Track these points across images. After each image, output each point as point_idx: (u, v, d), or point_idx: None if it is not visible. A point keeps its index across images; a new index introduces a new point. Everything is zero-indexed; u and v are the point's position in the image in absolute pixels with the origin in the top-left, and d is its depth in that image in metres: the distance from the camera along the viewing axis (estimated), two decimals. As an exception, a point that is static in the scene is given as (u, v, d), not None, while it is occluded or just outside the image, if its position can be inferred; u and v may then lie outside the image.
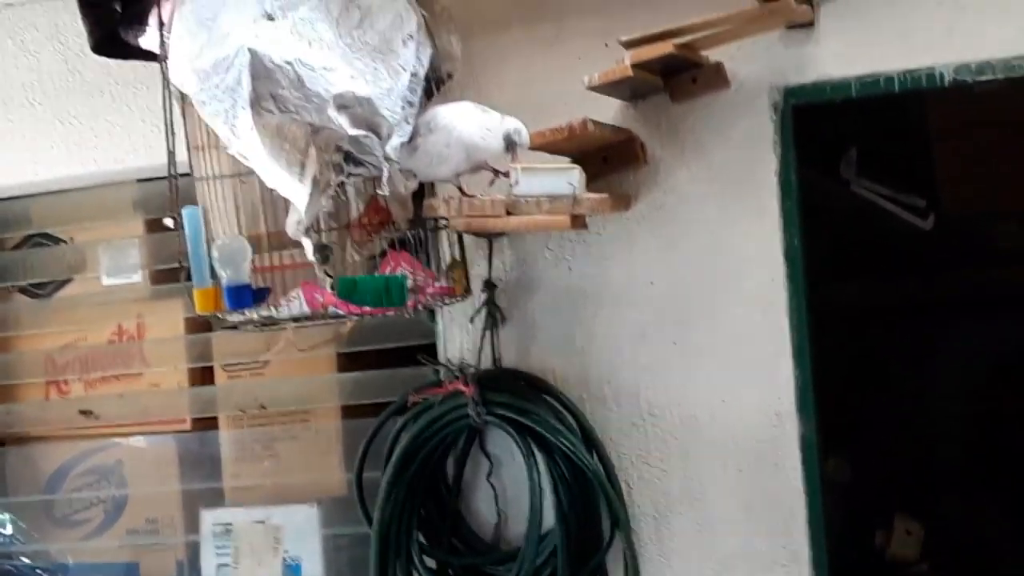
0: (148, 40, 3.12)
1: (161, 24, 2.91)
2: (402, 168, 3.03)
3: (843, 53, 3.23)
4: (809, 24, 3.22)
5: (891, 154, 4.82)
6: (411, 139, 2.98)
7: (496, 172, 3.10)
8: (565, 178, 3.03)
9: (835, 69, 3.24)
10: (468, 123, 2.99)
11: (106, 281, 4.04)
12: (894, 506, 4.74)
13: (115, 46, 3.22)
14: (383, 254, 3.19)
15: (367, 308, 3.01)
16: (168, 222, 3.07)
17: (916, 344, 5.00)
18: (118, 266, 4.01)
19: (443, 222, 3.18)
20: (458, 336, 3.58)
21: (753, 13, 2.95)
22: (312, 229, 3.01)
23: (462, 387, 3.36)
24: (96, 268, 4.05)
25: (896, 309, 4.91)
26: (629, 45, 3.06)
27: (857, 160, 4.77)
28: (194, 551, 3.93)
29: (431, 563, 3.46)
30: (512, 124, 3.00)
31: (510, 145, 2.99)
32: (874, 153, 4.79)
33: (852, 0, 3.20)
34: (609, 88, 3.16)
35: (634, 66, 3.04)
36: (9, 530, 4.16)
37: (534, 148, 3.15)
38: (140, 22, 3.07)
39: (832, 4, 3.22)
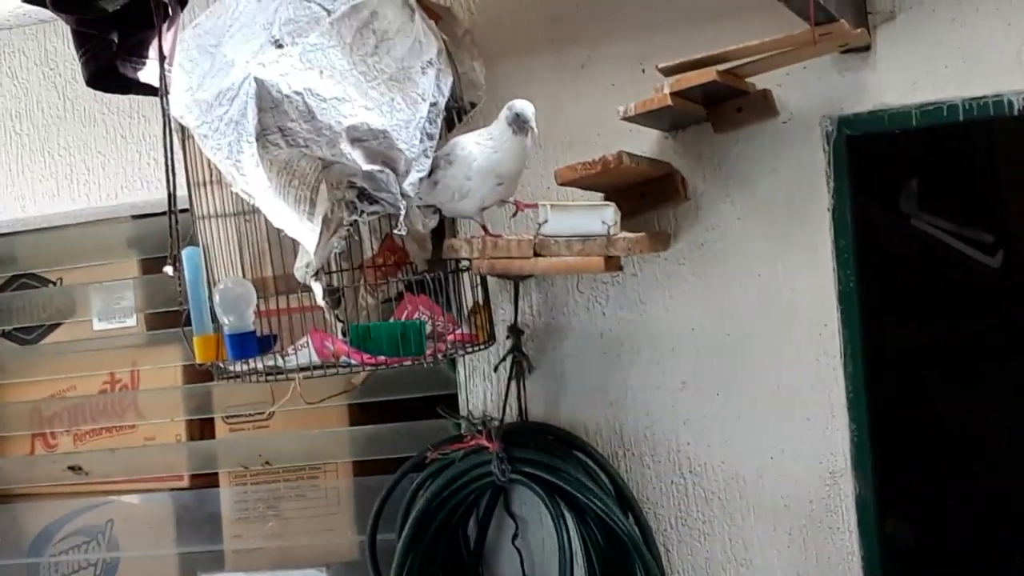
0: (147, 73, 3.14)
1: (162, 57, 2.93)
2: (421, 205, 3.05)
3: (902, 79, 3.24)
4: (865, 48, 3.23)
5: (955, 186, 4.80)
6: (431, 173, 3.01)
7: (519, 206, 3.11)
8: (598, 216, 3.04)
9: (893, 97, 3.25)
10: (484, 145, 3.01)
11: (98, 326, 4.06)
12: (961, 572, 4.70)
13: (112, 80, 3.25)
14: (399, 298, 3.21)
15: (382, 357, 3.02)
16: (168, 270, 3.09)
17: (984, 392, 4.95)
18: (111, 310, 4.04)
19: (465, 264, 3.19)
20: (481, 387, 3.60)
21: (804, 37, 2.95)
22: (322, 272, 3.02)
23: (485, 442, 3.37)
24: (87, 312, 4.08)
25: (962, 354, 4.87)
26: (668, 72, 3.07)
27: (918, 193, 4.76)
28: (193, 619, 3.95)
29: (451, 636, 3.47)
30: (510, 103, 2.99)
31: (520, 125, 2.97)
32: (937, 185, 4.78)
33: (912, 22, 3.21)
34: (646, 118, 3.18)
35: (674, 94, 3.04)
36: (-9, 595, 4.18)
37: (565, 184, 3.18)
38: (139, 54, 3.10)
39: (890, 26, 3.23)
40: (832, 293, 3.32)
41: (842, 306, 3.32)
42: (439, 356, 3.13)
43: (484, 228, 3.12)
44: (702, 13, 3.31)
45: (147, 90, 3.22)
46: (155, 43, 2.99)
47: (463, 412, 3.59)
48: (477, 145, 3.01)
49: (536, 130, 2.99)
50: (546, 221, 3.04)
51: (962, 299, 4.85)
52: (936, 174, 4.77)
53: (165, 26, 3.02)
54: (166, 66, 2.98)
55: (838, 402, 3.32)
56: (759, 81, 3.23)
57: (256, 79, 2.82)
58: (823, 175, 3.31)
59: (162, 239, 3.16)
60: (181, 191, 3.16)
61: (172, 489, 4.05)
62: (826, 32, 2.95)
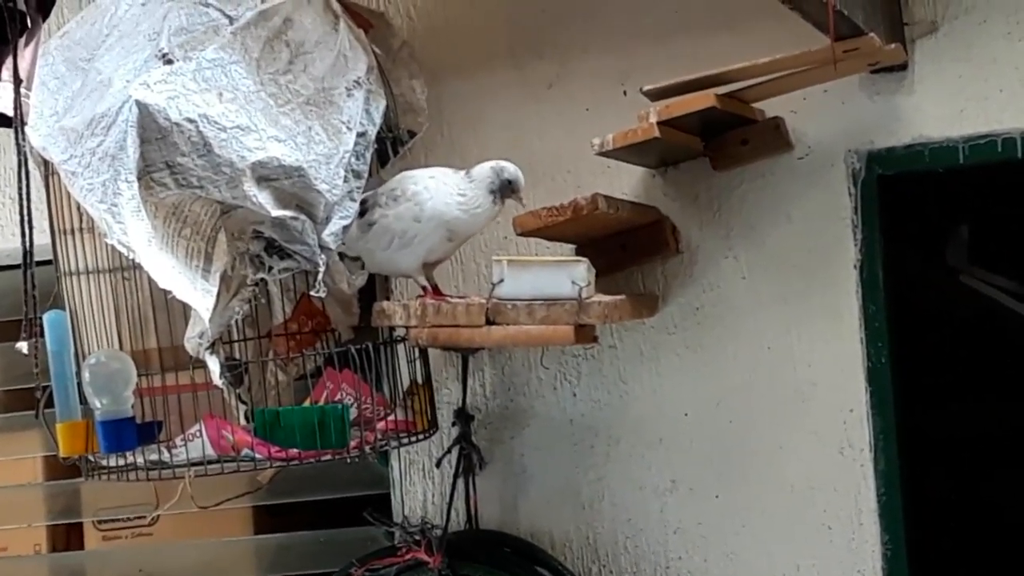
0: None
1: (18, 80, 2.91)
2: (347, 259, 3.05)
3: (946, 106, 3.27)
4: (901, 67, 3.26)
5: (1014, 236, 4.84)
6: (364, 212, 3.02)
7: (427, 293, 3.12)
8: (567, 274, 3.04)
9: (936, 127, 3.28)
10: (447, 189, 3.03)
11: (-65, 407, 4.05)
12: None
13: (-47, 108, 3.25)
14: (317, 374, 3.21)
15: (294, 450, 3.01)
16: (22, 347, 3.07)
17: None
18: (-48, 387, 4.03)
19: (400, 333, 3.19)
20: (420, 486, 3.60)
21: (824, 54, 2.96)
22: (220, 343, 3.02)
23: (424, 556, 3.38)
24: (-79, 389, 4.05)
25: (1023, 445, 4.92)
26: (656, 95, 3.09)
27: (968, 244, 4.79)
28: None
29: None
30: (498, 165, 3.04)
31: (506, 188, 3.03)
32: (990, 235, 4.81)
33: (959, 35, 3.25)
34: (628, 152, 3.19)
35: (663, 123, 3.06)
36: None
37: (526, 234, 3.20)
38: (-12, 76, 3.09)
39: (931, 41, 3.26)
40: (859, 370, 3.33)
41: (872, 387, 3.33)
42: (367, 448, 3.12)
43: (424, 288, 3.13)
44: (697, 22, 3.34)
45: (-1, 120, 3.23)
46: (9, 62, 2.97)
47: (397, 518, 3.59)
48: (435, 181, 3.03)
49: (524, 202, 3.05)
50: (502, 281, 3.04)
51: (1022, 371, 4.89)
52: (989, 221, 4.80)
53: (22, 41, 3.00)
54: (23, 91, 2.97)
55: (867, 506, 3.33)
56: (769, 107, 3.26)
57: (138, 103, 2.82)
58: (849, 224, 3.33)
59: (18, 299, 3.13)
60: (42, 239, 3.15)
61: (31, 614, 4.03)
62: (851, 48, 2.97)
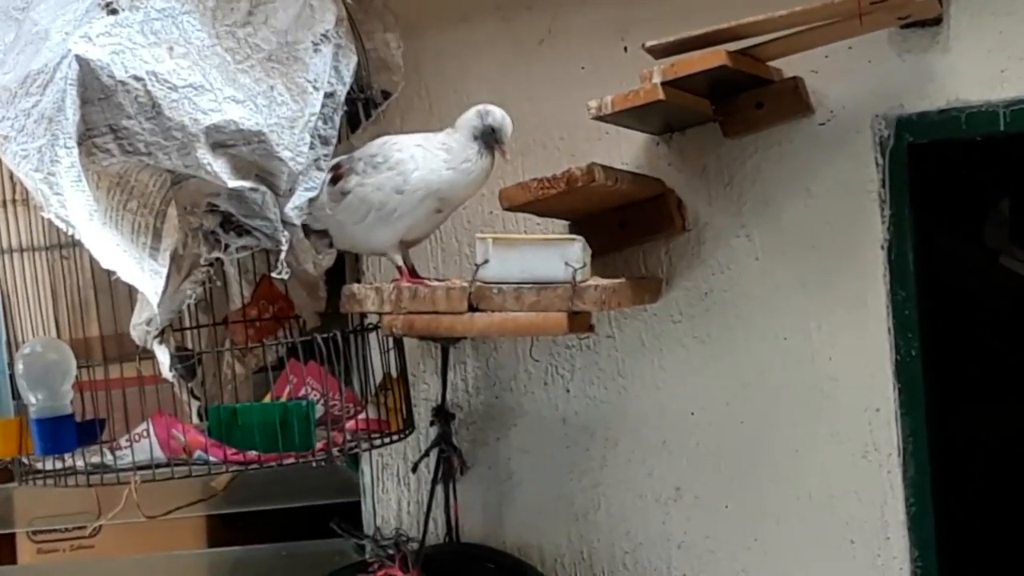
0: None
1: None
2: (313, 235, 3.04)
3: (985, 65, 3.25)
4: (935, 21, 3.24)
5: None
6: (336, 180, 3.01)
7: (403, 276, 3.10)
8: (559, 254, 3.03)
9: (973, 89, 3.26)
10: (433, 155, 3.03)
11: None
12: None
13: None
14: (280, 367, 3.20)
15: (253, 452, 3.00)
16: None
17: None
18: None
19: (373, 320, 3.18)
20: (394, 493, 3.60)
21: (848, 5, 2.96)
22: (170, 331, 3.01)
23: (398, 572, 3.35)
24: None
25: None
26: (660, 52, 3.08)
27: (1010, 221, 4.80)
28: None
29: None
30: (484, 108, 3.03)
31: (489, 136, 3.01)
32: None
33: (1000, -16, 3.24)
34: (629, 116, 3.17)
35: (668, 84, 3.04)
36: None
37: (514, 208, 3.18)
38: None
39: (971, -11, 3.26)
40: (887, 364, 3.32)
41: (900, 383, 3.32)
42: (334, 451, 3.10)
43: (400, 270, 3.11)
44: (707, -30, 3.33)
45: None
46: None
47: (368, 529, 3.59)
48: (421, 150, 3.02)
49: (508, 155, 3.03)
50: (486, 261, 3.03)
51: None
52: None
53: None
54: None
55: (894, 518, 3.32)
56: (787, 66, 3.24)
57: (78, 58, 2.80)
58: (875, 198, 3.32)
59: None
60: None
61: (-44, 637, 4.02)
62: (879, -1, 2.97)
